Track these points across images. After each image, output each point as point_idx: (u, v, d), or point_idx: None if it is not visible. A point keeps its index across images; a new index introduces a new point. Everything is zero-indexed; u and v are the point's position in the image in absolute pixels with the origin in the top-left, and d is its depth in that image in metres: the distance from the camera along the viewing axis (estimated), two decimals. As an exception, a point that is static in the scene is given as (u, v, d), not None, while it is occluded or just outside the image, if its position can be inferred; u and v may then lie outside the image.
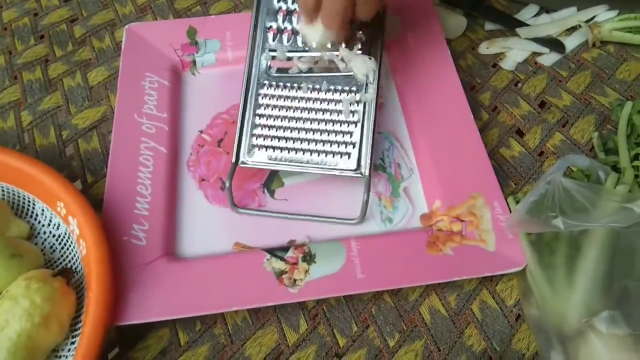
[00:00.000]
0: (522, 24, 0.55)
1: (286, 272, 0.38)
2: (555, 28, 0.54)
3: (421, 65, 0.49)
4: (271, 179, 0.45)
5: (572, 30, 0.54)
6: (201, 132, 0.48)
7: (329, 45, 0.40)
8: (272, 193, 0.44)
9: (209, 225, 0.43)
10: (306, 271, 0.38)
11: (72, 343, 0.36)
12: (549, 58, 0.53)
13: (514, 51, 0.53)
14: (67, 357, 0.36)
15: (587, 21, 0.54)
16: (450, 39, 0.55)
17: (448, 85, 0.47)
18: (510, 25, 0.55)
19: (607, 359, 0.30)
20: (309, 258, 0.39)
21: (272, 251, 0.40)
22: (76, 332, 0.36)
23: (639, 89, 0.48)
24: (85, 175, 0.46)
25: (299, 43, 0.41)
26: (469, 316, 0.38)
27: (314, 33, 0.38)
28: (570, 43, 0.53)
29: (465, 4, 0.57)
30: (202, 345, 0.38)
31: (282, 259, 0.39)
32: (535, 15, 0.57)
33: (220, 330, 0.38)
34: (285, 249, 0.40)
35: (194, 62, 0.52)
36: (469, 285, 0.39)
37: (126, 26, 0.52)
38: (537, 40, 0.54)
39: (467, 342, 0.37)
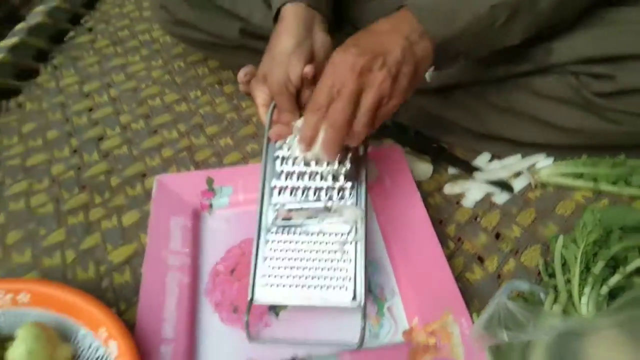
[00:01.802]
0: (478, 169, 0.68)
1: (290, 384, 0.45)
2: (505, 172, 0.67)
3: (396, 203, 0.60)
4: (275, 305, 0.54)
5: (518, 174, 0.67)
6: (216, 263, 0.58)
7: (324, 164, 0.51)
8: (277, 314, 0.53)
9: (223, 344, 0.51)
10: (307, 382, 0.45)
11: None
12: (501, 197, 0.64)
13: (472, 191, 0.65)
14: None
15: (530, 167, 0.67)
16: (420, 180, 0.67)
17: (418, 220, 0.58)
18: (469, 170, 0.68)
19: None
20: (309, 371, 0.46)
21: (279, 366, 0.47)
22: None
23: (573, 224, 0.59)
24: (119, 303, 0.54)
25: (298, 197, 0.52)
26: (446, 420, 0.45)
27: (309, 155, 0.49)
28: (518, 185, 0.66)
29: (431, 153, 0.70)
30: None
31: (287, 373, 0.46)
32: (489, 161, 0.70)
33: None
34: (289, 364, 0.47)
35: (211, 205, 0.63)
36: (445, 393, 0.46)
37: (156, 177, 0.63)
38: (491, 182, 0.66)
39: None
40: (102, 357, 0.47)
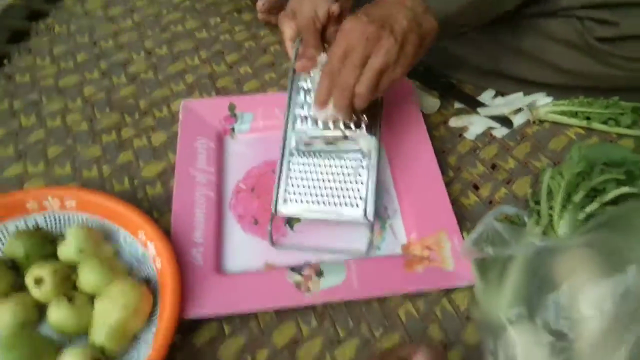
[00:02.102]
0: (483, 105, 0.73)
1: (303, 283, 0.53)
2: (507, 108, 0.72)
3: (403, 133, 0.66)
4: (291, 218, 0.61)
5: (519, 110, 0.71)
6: (238, 181, 0.65)
7: (334, 122, 0.57)
8: (292, 227, 0.60)
9: (245, 249, 0.58)
10: (318, 283, 0.53)
11: (149, 331, 0.50)
12: (500, 131, 0.70)
13: (474, 125, 0.70)
14: (145, 340, 0.50)
15: (530, 104, 0.71)
16: (427, 113, 0.72)
17: (423, 150, 0.64)
18: (473, 105, 0.73)
19: (519, 344, 0.44)
20: (319, 273, 0.54)
21: (293, 268, 0.55)
22: (152, 324, 0.51)
23: (563, 157, 0.65)
24: (152, 212, 0.61)
25: (319, 126, 0.58)
26: (432, 317, 0.53)
27: (324, 114, 0.54)
28: (517, 120, 0.70)
29: (439, 88, 0.75)
30: (240, 335, 0.52)
31: (300, 274, 0.54)
32: (493, 97, 0.74)
33: (254, 324, 0.53)
34: (302, 267, 0.55)
35: (233, 129, 0.69)
36: (433, 296, 0.54)
37: (182, 102, 0.69)
38: (493, 117, 0.71)
39: (431, 334, 0.51)
40: (140, 257, 0.55)
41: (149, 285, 0.52)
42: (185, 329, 0.51)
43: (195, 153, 0.65)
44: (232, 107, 0.70)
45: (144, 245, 0.55)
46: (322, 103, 0.52)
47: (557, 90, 0.72)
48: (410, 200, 0.60)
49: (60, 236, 0.54)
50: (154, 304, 0.52)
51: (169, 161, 0.66)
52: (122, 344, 0.49)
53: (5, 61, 0.77)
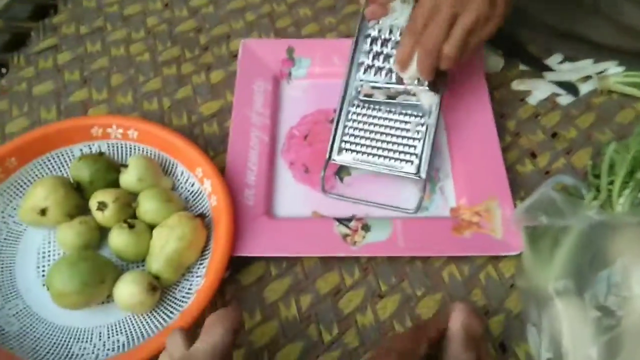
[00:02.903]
0: (549, 69, 0.69)
1: (349, 235, 0.54)
2: (574, 75, 0.68)
3: (463, 93, 0.64)
4: (342, 169, 0.61)
5: (587, 78, 0.68)
6: (292, 127, 0.65)
7: (414, 81, 0.56)
8: (341, 179, 0.61)
9: (294, 196, 0.59)
10: (363, 237, 0.54)
11: (201, 264, 0.53)
12: (565, 99, 0.67)
13: (538, 90, 0.68)
14: (197, 273, 0.53)
15: (600, 73, 0.68)
16: (489, 72, 0.69)
17: (482, 112, 0.63)
18: (539, 69, 0.70)
19: (564, 317, 0.45)
20: (366, 228, 0.55)
21: (340, 220, 0.56)
22: (204, 258, 0.53)
23: (629, 132, 0.62)
24: (207, 150, 0.62)
25: (382, 77, 0.57)
26: (476, 282, 0.53)
27: (405, 75, 0.54)
28: (584, 88, 0.67)
29: (504, 47, 0.72)
30: (285, 277, 0.54)
31: (347, 226, 0.55)
32: (560, 62, 0.71)
33: (299, 269, 0.55)
34: (349, 219, 0.56)
35: (290, 74, 0.69)
36: (479, 261, 0.54)
37: (242, 41, 0.68)
38: (558, 83, 0.68)
39: (473, 298, 0.52)
40: (196, 192, 0.57)
41: (203, 220, 0.54)
42: (234, 266, 0.54)
43: (252, 95, 0.65)
44: (290, 51, 0.69)
45: (200, 182, 0.57)
46: (404, 63, 0.52)
47: (630, 59, 0.68)
48: (463, 164, 0.60)
49: (122, 165, 0.56)
50: (207, 239, 0.54)
51: (225, 100, 0.67)
52: (176, 273, 0.52)
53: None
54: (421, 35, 0.50)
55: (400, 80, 0.56)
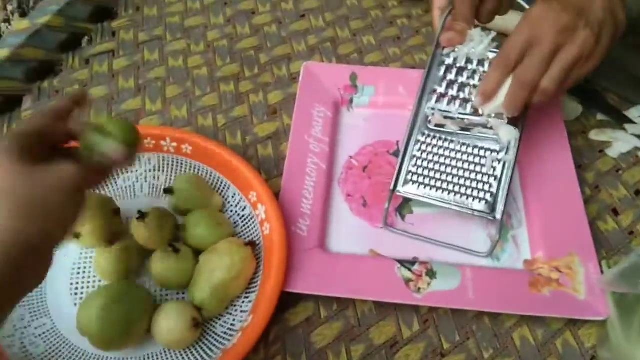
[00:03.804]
0: (630, 121, 0.64)
1: (413, 281, 0.49)
2: (659, 130, 0.63)
3: (540, 136, 0.59)
4: (403, 206, 0.56)
5: (673, 134, 0.63)
6: (351, 157, 0.61)
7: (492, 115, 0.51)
8: (402, 217, 0.56)
9: (350, 231, 0.54)
10: (429, 283, 0.49)
11: (247, 297, 0.48)
12: (650, 154, 0.62)
13: (619, 142, 0.62)
14: (242, 307, 0.48)
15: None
16: (565, 120, 0.65)
17: (561, 159, 0.58)
18: (620, 120, 0.65)
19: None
20: (431, 274, 0.50)
21: (402, 262, 0.51)
22: (250, 291, 0.48)
23: None
24: (260, 174, 0.58)
25: (455, 107, 0.52)
26: (552, 349, 0.47)
27: (487, 108, 0.49)
28: (671, 145, 0.62)
29: (582, 94, 0.67)
30: (336, 322, 0.49)
31: (410, 270, 0.50)
32: (642, 115, 0.66)
33: (351, 314, 0.49)
34: (411, 262, 0.51)
35: (351, 101, 0.65)
36: (556, 325, 0.48)
37: (304, 63, 0.65)
38: (641, 137, 0.63)
39: (548, 368, 0.46)
40: (247, 217, 0.53)
41: (254, 248, 0.49)
42: (281, 304, 0.49)
43: (312, 119, 0.61)
44: (353, 77, 0.66)
45: (253, 207, 0.52)
46: (488, 96, 0.47)
47: None
48: (540, 214, 0.54)
49: (166, 189, 0.52)
50: (256, 270, 0.49)
51: (282, 122, 0.63)
52: (221, 305, 0.47)
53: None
54: (516, 67, 0.45)
55: (476, 112, 0.52)
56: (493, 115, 0.51)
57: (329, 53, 0.72)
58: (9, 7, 1.13)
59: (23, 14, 1.13)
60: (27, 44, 0.63)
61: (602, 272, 0.49)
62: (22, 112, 0.62)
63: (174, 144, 0.55)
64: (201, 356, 0.45)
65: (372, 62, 0.72)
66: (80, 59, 0.67)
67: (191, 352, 0.45)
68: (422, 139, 0.53)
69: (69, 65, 0.66)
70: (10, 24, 1.13)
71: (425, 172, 0.52)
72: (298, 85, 0.63)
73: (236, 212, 0.54)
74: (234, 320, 0.47)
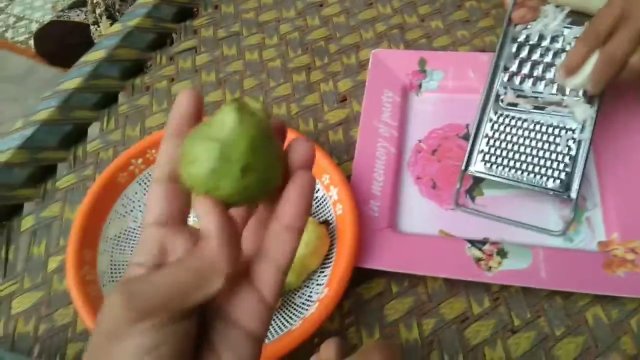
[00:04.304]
0: None
1: (483, 260, 0.50)
2: None
3: (617, 116, 0.58)
4: (474, 187, 0.57)
5: None
6: (420, 141, 0.62)
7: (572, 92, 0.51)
8: (473, 199, 0.57)
9: (420, 212, 0.56)
10: (499, 262, 0.50)
11: (322, 272, 0.52)
12: None
13: None
14: (318, 281, 0.51)
15: None
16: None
17: (638, 139, 0.56)
18: None
19: None
20: (502, 253, 0.51)
21: (473, 242, 0.52)
22: (326, 266, 0.52)
23: None
24: (332, 158, 0.61)
25: (529, 85, 0.53)
26: (626, 327, 0.47)
27: (571, 83, 0.49)
28: None
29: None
30: (407, 297, 0.51)
31: (480, 249, 0.51)
32: None
33: (422, 290, 0.51)
34: (482, 242, 0.52)
35: (420, 86, 0.66)
36: (631, 305, 0.48)
37: (372, 51, 0.67)
38: None
39: (622, 346, 0.46)
40: (320, 199, 0.56)
41: (328, 227, 0.52)
42: (353, 279, 0.51)
43: (381, 105, 0.63)
44: (422, 63, 0.67)
45: (326, 189, 0.56)
46: (572, 70, 0.47)
47: None
48: (616, 195, 0.53)
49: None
50: (330, 247, 0.52)
51: (352, 109, 0.66)
52: (299, 279, 0.51)
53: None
54: (605, 42, 0.45)
55: (551, 89, 0.51)
56: (569, 92, 0.51)
57: (397, 39, 0.73)
58: (97, 10, 1.23)
59: (110, 17, 1.23)
60: (120, 45, 0.70)
61: (682, 252, 0.48)
62: (118, 106, 0.69)
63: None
64: (282, 323, 0.49)
65: (440, 46, 0.72)
66: (166, 57, 0.73)
67: (273, 320, 0.49)
68: (494, 117, 0.54)
69: (157, 63, 0.73)
70: (98, 26, 1.24)
71: (498, 152, 0.53)
72: (367, 73, 0.66)
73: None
74: (311, 292, 0.50)
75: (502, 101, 0.53)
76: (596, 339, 0.47)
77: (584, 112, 0.50)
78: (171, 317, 0.21)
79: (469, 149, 0.53)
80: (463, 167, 0.53)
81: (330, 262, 0.51)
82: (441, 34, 0.73)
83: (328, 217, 0.55)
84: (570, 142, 0.51)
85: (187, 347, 0.23)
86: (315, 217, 0.56)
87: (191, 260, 0.22)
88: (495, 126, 0.54)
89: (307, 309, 0.49)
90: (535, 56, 0.53)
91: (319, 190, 0.57)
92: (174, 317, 0.22)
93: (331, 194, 0.55)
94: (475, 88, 0.63)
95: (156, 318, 0.21)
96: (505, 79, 0.53)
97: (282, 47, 0.73)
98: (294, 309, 0.50)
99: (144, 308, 0.21)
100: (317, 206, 0.56)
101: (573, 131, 0.51)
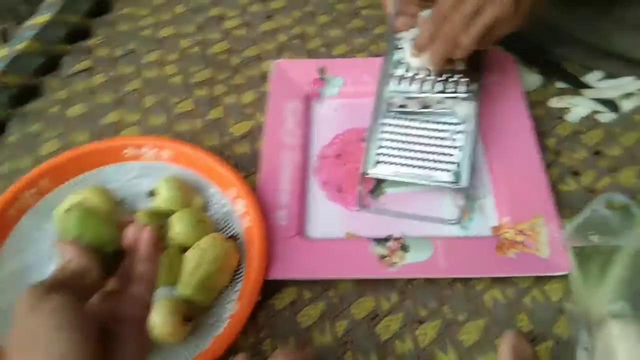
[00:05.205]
0: (587, 86, 0.67)
1: (387, 256, 0.52)
2: (615, 92, 0.66)
3: (502, 110, 0.62)
4: (376, 188, 0.59)
5: (629, 95, 0.66)
6: (324, 147, 0.64)
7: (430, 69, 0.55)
8: (376, 198, 0.59)
9: (327, 217, 0.58)
10: (402, 257, 0.52)
11: (233, 288, 0.51)
12: (606, 116, 0.64)
13: (578, 108, 0.65)
14: (229, 298, 0.51)
15: (643, 88, 0.66)
16: (526, 91, 0.68)
17: (522, 128, 0.61)
18: (577, 86, 0.67)
19: (621, 340, 0.42)
20: (404, 248, 0.53)
21: (377, 241, 0.54)
22: (236, 281, 0.52)
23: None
24: (239, 171, 0.62)
25: (415, 87, 0.56)
26: (521, 306, 0.51)
27: (418, 62, 0.54)
28: (627, 105, 0.65)
29: (541, 65, 0.70)
30: (319, 302, 0.52)
31: (384, 246, 0.53)
32: (600, 79, 0.68)
33: (333, 293, 0.53)
34: (385, 239, 0.54)
35: (322, 93, 0.68)
36: (524, 283, 0.52)
37: (274, 61, 0.68)
38: (599, 100, 0.66)
39: (519, 324, 0.49)
40: (227, 213, 0.56)
41: (236, 242, 0.52)
42: (266, 291, 0.52)
43: (284, 115, 0.64)
44: (322, 70, 0.69)
45: (232, 203, 0.56)
46: (420, 49, 0.52)
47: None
48: (504, 182, 0.57)
49: (151, 192, 0.56)
50: (239, 262, 0.52)
51: (256, 121, 0.66)
52: (209, 297, 0.50)
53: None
54: (442, 24, 0.50)
55: (436, 88, 0.55)
56: (448, 92, 0.54)
57: (299, 50, 0.75)
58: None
59: (5, 40, 1.16)
60: (7, 70, 0.67)
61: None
62: (7, 137, 0.65)
63: (153, 151, 0.58)
64: (196, 344, 0.48)
65: (340, 54, 0.74)
66: (59, 80, 0.70)
67: (186, 344, 0.48)
68: (387, 121, 0.57)
69: (49, 87, 0.70)
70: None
71: (393, 152, 0.56)
72: (269, 83, 0.66)
73: (217, 210, 0.57)
74: (222, 309, 0.50)
75: (392, 105, 0.56)
76: (495, 320, 0.50)
77: (466, 108, 0.54)
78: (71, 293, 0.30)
79: (365, 152, 0.55)
80: (361, 171, 0.55)
81: (241, 276, 0.51)
82: (340, 42, 0.76)
83: (235, 232, 0.55)
84: (457, 135, 0.55)
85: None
86: (224, 232, 0.55)
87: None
88: (389, 128, 0.56)
89: (218, 328, 0.48)
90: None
91: (225, 205, 0.56)
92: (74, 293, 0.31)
93: (238, 207, 0.55)
94: (372, 92, 0.65)
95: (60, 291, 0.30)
96: (395, 83, 0.56)
97: (183, 62, 0.72)
98: (205, 329, 0.49)
99: (50, 285, 0.30)
100: (225, 221, 0.56)
101: (458, 125, 0.55)
